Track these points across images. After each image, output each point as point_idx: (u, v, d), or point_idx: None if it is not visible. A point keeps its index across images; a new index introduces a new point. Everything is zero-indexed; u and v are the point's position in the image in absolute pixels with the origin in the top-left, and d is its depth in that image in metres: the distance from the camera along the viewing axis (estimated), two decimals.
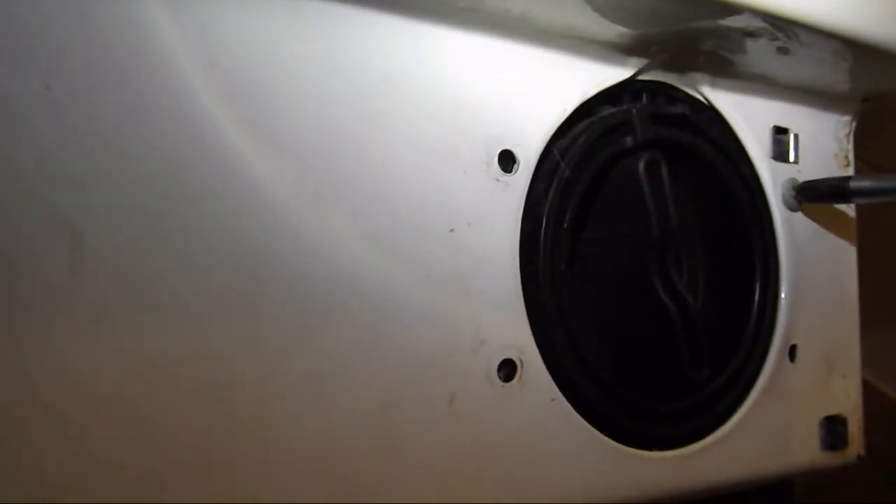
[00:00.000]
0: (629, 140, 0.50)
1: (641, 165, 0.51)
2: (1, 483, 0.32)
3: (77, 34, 0.34)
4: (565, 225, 0.47)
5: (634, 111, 0.50)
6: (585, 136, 0.48)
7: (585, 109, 0.49)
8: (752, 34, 0.49)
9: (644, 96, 0.52)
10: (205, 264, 0.36)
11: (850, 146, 0.63)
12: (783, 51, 0.52)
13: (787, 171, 0.58)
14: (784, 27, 0.48)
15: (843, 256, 0.62)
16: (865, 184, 0.55)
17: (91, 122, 0.34)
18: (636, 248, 0.52)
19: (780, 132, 0.58)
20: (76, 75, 0.34)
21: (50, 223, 0.33)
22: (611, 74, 0.49)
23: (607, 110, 0.50)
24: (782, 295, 0.57)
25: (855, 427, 0.62)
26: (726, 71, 0.54)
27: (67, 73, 0.34)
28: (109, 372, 0.34)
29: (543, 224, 0.46)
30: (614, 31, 0.47)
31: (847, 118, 0.62)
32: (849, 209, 0.62)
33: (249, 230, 0.37)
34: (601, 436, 0.48)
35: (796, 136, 0.58)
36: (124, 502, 0.34)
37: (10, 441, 0.32)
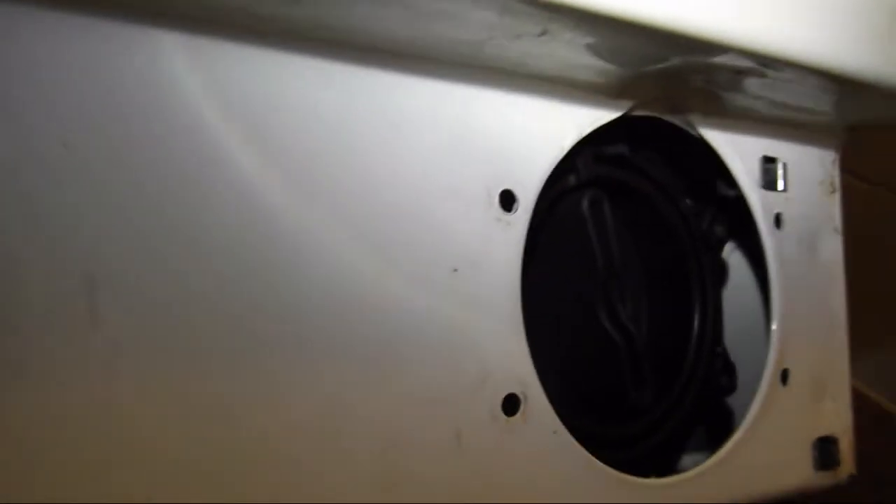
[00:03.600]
0: (572, 179, 0.52)
1: (585, 203, 0.53)
2: None
3: (95, 89, 0.35)
4: None
5: (578, 153, 0.52)
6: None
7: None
8: (739, 71, 0.50)
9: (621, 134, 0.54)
10: (215, 309, 0.37)
11: (836, 172, 0.64)
12: (770, 86, 0.53)
13: (775, 200, 0.60)
14: (770, 64, 0.49)
15: (831, 280, 0.64)
16: None
17: (110, 177, 0.35)
18: (582, 283, 0.54)
19: (768, 161, 0.60)
20: (95, 130, 0.35)
21: (70, 275, 0.34)
22: (605, 113, 0.51)
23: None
24: (774, 320, 0.59)
25: (846, 447, 0.63)
26: (716, 105, 0.55)
27: (86, 128, 0.34)
28: (125, 414, 0.35)
29: None
30: (606, 71, 0.48)
31: (832, 146, 0.64)
32: (835, 233, 0.64)
33: (261, 275, 0.38)
34: (601, 464, 0.50)
35: (784, 165, 0.60)
36: None
37: (29, 486, 0.33)
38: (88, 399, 0.34)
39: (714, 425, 0.63)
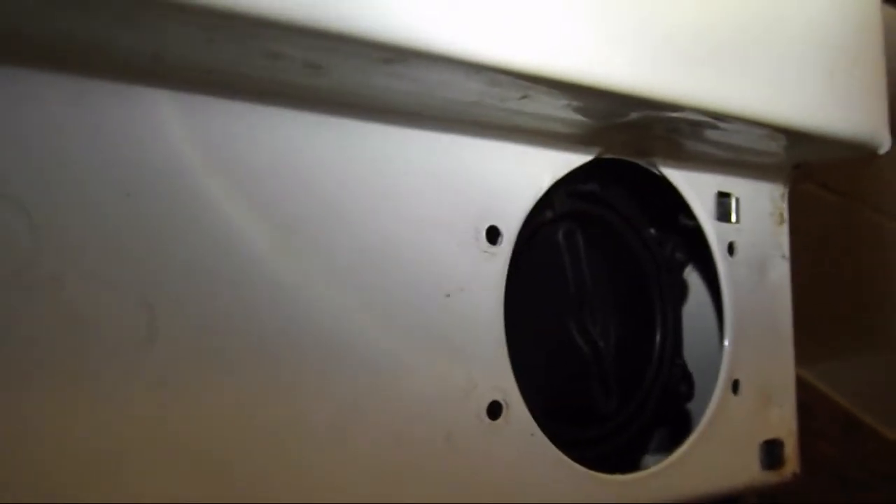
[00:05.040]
0: (549, 213, 0.60)
1: (560, 234, 0.61)
2: None
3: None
4: None
5: (554, 190, 0.58)
6: None
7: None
8: (694, 124, 0.58)
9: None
10: (243, 331, 0.45)
11: (785, 205, 0.72)
12: (723, 134, 0.61)
13: (728, 230, 0.68)
14: (720, 118, 0.57)
15: (779, 301, 0.72)
16: None
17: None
18: (558, 304, 0.62)
19: (723, 196, 0.67)
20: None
21: (131, 301, 0.41)
22: (578, 157, 0.58)
23: None
24: (726, 336, 0.67)
25: (790, 449, 0.71)
26: (675, 149, 0.63)
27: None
28: (180, 426, 0.42)
29: None
30: (579, 123, 0.56)
31: (781, 182, 0.72)
32: (783, 259, 0.72)
33: (269, 308, 0.46)
34: (572, 462, 0.57)
35: (737, 200, 0.68)
36: None
37: (87, 490, 0.40)
38: (149, 409, 0.42)
39: (675, 429, 0.71)
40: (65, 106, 0.40)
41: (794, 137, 0.62)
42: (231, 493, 0.44)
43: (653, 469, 0.62)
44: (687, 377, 0.68)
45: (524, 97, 0.49)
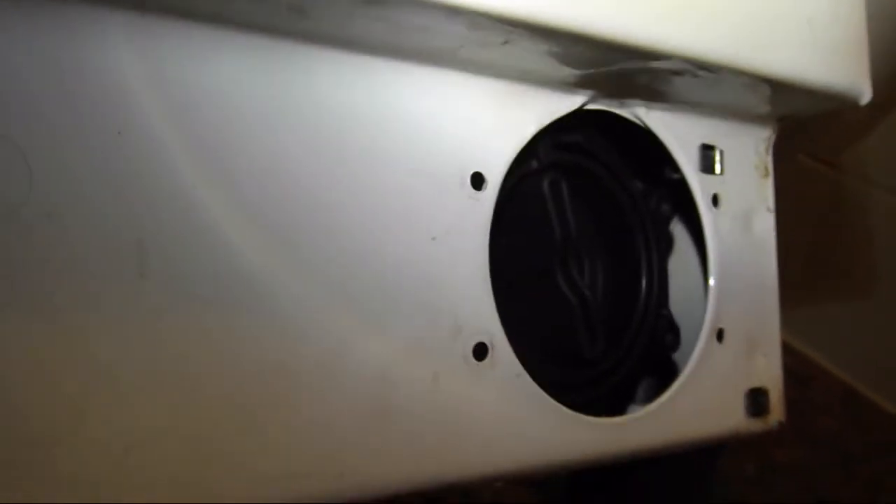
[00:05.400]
0: (534, 163, 0.61)
1: (545, 184, 0.62)
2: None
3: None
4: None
5: (539, 140, 0.60)
6: None
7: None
8: (678, 73, 0.59)
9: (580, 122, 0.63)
10: (235, 270, 0.46)
11: (769, 158, 0.73)
12: (707, 83, 0.62)
13: (713, 182, 0.69)
14: (703, 66, 0.58)
15: (764, 253, 0.73)
16: None
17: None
18: (543, 252, 0.63)
19: (707, 149, 0.68)
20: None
21: (122, 237, 0.43)
22: (562, 105, 0.59)
23: None
24: (711, 284, 0.68)
25: (775, 398, 0.73)
26: (659, 99, 0.64)
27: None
28: (173, 359, 0.44)
29: None
30: (563, 71, 0.57)
31: (765, 135, 0.73)
32: (768, 212, 0.73)
33: (258, 248, 0.47)
34: (557, 404, 0.58)
35: (721, 152, 0.69)
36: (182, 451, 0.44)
37: (80, 430, 0.42)
38: (140, 343, 0.43)
39: (661, 380, 0.72)
40: (58, 44, 0.41)
41: (774, 87, 0.63)
42: (222, 428, 0.45)
43: (638, 413, 0.64)
44: (673, 327, 0.70)
45: (506, 42, 0.50)
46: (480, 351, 0.55)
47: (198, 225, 0.45)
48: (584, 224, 0.64)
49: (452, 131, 0.54)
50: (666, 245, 0.71)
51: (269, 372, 0.47)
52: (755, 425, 0.71)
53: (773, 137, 0.74)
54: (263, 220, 0.47)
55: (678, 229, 0.73)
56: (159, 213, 0.44)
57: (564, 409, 0.59)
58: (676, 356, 0.71)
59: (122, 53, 0.43)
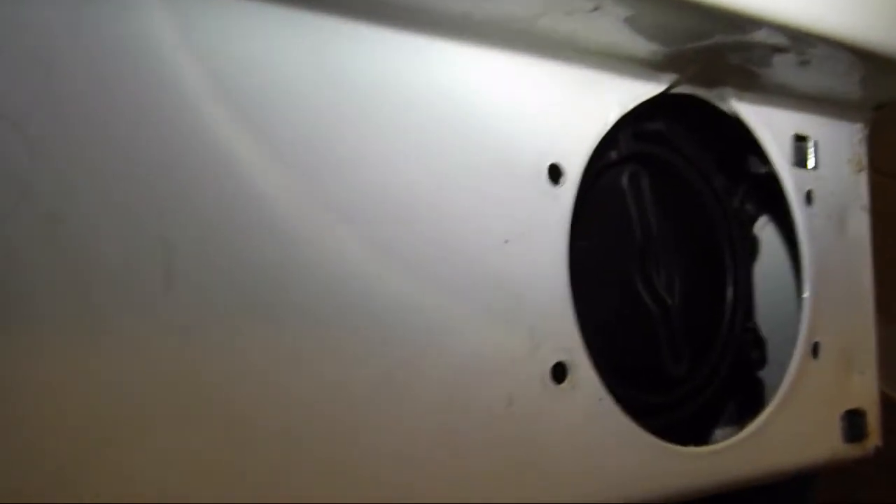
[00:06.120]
0: (613, 154, 0.54)
1: (625, 178, 0.54)
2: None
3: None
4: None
5: (620, 128, 0.53)
6: None
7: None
8: (774, 48, 0.52)
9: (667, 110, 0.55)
10: (274, 276, 0.38)
11: (864, 151, 0.66)
12: (803, 64, 0.55)
13: (806, 177, 0.61)
14: (801, 39, 0.51)
15: (859, 256, 0.65)
16: None
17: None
18: (621, 253, 0.55)
19: (799, 140, 0.61)
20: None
21: (146, 238, 0.35)
22: (646, 89, 0.52)
23: None
24: (806, 293, 0.60)
25: (873, 420, 0.65)
26: (751, 83, 0.56)
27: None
28: (204, 377, 0.36)
29: None
30: (650, 48, 0.50)
31: (860, 125, 0.65)
32: (863, 211, 0.65)
33: (306, 258, 0.40)
34: (643, 432, 0.51)
35: (816, 144, 0.61)
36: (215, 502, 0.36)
37: (103, 447, 0.34)
38: (168, 359, 0.35)
39: (745, 399, 0.64)
40: (61, 15, 0.34)
41: (875, 65, 0.55)
42: (259, 457, 0.38)
43: (730, 441, 0.56)
44: (759, 342, 0.62)
45: (595, 9, 0.43)
46: (560, 371, 0.47)
47: (242, 220, 0.37)
48: (664, 223, 0.57)
49: (527, 119, 0.47)
50: (751, 249, 0.63)
51: (322, 397, 0.39)
52: (852, 451, 0.64)
53: (868, 129, 0.66)
54: (319, 212, 0.39)
55: (766, 231, 0.65)
56: (190, 207, 0.36)
57: (651, 437, 0.51)
58: (763, 375, 0.63)
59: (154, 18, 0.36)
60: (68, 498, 0.33)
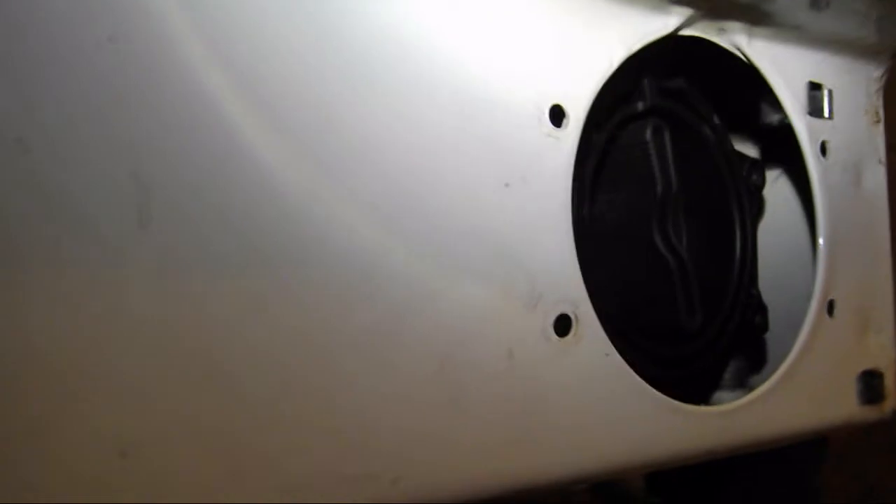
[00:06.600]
0: (640, 105, 0.52)
1: (648, 131, 0.52)
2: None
3: None
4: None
5: (646, 80, 0.52)
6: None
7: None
8: None
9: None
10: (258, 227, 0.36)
11: (880, 102, 0.63)
12: (816, 2, 0.52)
13: (821, 127, 0.58)
14: None
15: (876, 211, 0.62)
16: None
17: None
18: (640, 206, 0.53)
19: (814, 88, 0.58)
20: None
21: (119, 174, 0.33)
22: (654, 27, 0.49)
23: None
24: (821, 249, 0.57)
25: (891, 381, 0.62)
26: (762, 22, 0.53)
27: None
28: (176, 322, 0.34)
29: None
30: None
31: (878, 73, 0.62)
32: (880, 164, 0.62)
33: (292, 202, 0.37)
34: (652, 390, 0.48)
35: (830, 92, 0.58)
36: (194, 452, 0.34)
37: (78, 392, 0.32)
38: (142, 300, 0.33)
39: (746, 364, 0.62)
40: None
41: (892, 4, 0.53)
42: (246, 422, 0.35)
43: (741, 400, 0.53)
44: (762, 308, 0.59)
45: None
46: (563, 324, 0.45)
47: (219, 155, 0.35)
48: (682, 180, 0.54)
49: (527, 56, 0.44)
50: (756, 217, 0.60)
51: (306, 349, 0.37)
52: (868, 414, 0.61)
53: (885, 77, 0.63)
54: (302, 151, 0.37)
55: (779, 184, 0.62)
56: (164, 141, 0.34)
57: (661, 395, 0.48)
58: (776, 333, 0.60)
59: None
60: (35, 443, 0.31)
